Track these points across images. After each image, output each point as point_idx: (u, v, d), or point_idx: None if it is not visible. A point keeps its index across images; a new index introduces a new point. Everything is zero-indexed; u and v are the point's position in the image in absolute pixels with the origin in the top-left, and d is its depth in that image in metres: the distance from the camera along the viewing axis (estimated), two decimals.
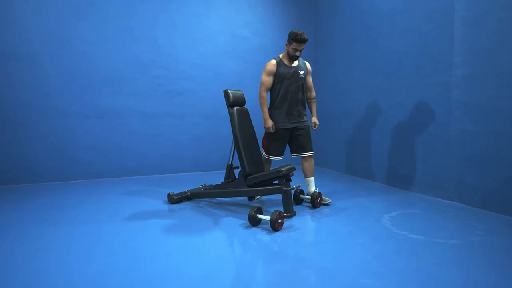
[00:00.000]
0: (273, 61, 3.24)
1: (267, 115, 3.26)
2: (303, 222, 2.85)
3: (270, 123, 3.24)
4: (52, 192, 3.83)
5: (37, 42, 4.19)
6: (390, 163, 4.18)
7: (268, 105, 3.40)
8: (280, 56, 3.30)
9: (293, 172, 3.12)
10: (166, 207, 3.32)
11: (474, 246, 2.35)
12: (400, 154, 4.03)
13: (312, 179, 3.36)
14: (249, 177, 3.07)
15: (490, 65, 3.07)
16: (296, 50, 3.17)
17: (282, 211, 2.85)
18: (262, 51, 5.32)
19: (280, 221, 2.66)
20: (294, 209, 3.08)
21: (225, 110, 5.18)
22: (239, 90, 3.36)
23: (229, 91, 3.20)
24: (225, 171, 5.03)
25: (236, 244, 2.42)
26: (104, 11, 4.46)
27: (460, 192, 3.38)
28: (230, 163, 3.34)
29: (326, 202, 3.35)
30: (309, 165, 3.37)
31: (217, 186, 3.35)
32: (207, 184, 3.61)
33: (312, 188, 3.36)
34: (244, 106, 3.37)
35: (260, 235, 2.58)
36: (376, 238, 2.50)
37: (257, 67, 5.31)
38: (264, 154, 3.40)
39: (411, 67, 3.83)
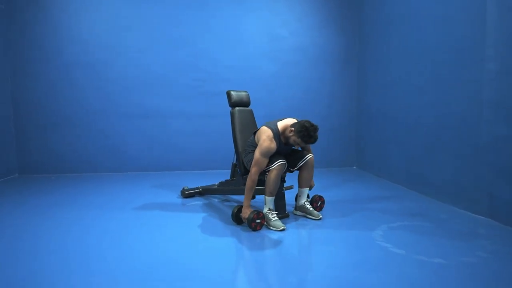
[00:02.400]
0: (273, 143, 2.69)
1: (249, 203, 2.74)
2: (291, 225, 2.79)
3: (247, 213, 2.67)
4: (100, 181, 4.44)
5: (95, 52, 4.87)
6: (421, 169, 3.75)
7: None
8: (280, 129, 2.79)
9: (286, 173, 3.02)
10: (178, 200, 3.57)
11: (457, 268, 2.02)
12: (431, 159, 3.59)
13: (306, 190, 2.98)
14: (244, 176, 3.12)
15: None
16: (297, 143, 2.74)
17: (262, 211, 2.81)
18: (300, 51, 5.24)
19: (258, 221, 2.66)
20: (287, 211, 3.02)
21: (260, 111, 5.23)
22: (245, 91, 3.42)
23: (231, 92, 3.29)
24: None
25: (212, 238, 2.52)
26: (149, 22, 4.94)
27: (491, 206, 2.88)
28: (234, 162, 3.42)
29: (315, 218, 2.93)
30: (308, 173, 2.93)
31: (221, 183, 3.47)
32: (224, 181, 3.75)
33: (303, 200, 2.99)
34: (249, 107, 3.42)
35: (241, 233, 2.63)
36: (350, 249, 2.34)
37: (294, 67, 5.25)
38: (270, 168, 2.74)
39: (444, 63, 3.38)
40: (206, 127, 5.22)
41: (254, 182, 2.71)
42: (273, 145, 2.70)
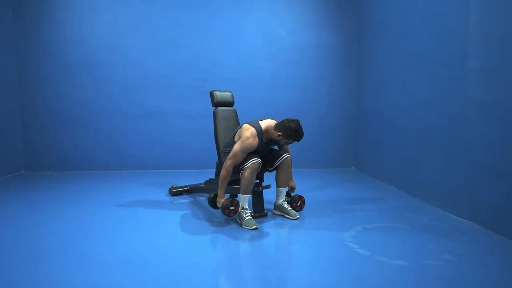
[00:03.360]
0: (256, 140, 2.75)
1: (223, 192, 2.82)
2: (267, 224, 2.82)
3: (221, 202, 2.77)
4: (100, 178, 4.60)
5: (97, 53, 5.04)
6: (412, 170, 3.67)
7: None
8: (263, 128, 2.83)
9: (265, 172, 3.05)
10: (165, 198, 3.65)
11: (415, 270, 1.99)
12: (421, 160, 3.51)
13: (283, 190, 2.99)
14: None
15: (510, 53, 2.46)
16: (288, 143, 2.85)
17: (237, 199, 2.84)
18: (298, 51, 5.22)
19: (232, 208, 2.73)
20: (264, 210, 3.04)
21: (258, 110, 5.26)
22: (229, 91, 3.46)
23: (214, 92, 3.34)
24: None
25: (186, 237, 2.58)
26: (151, 24, 5.07)
27: (474, 209, 2.79)
28: (219, 161, 3.47)
29: (292, 217, 2.94)
30: (284, 172, 2.93)
31: (205, 182, 3.53)
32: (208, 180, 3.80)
33: (280, 200, 3.01)
34: (233, 107, 3.46)
35: (216, 231, 2.68)
36: (316, 249, 2.33)
37: (293, 66, 5.25)
38: (244, 167, 2.77)
39: (434, 60, 3.30)
40: (206, 127, 5.26)
41: (228, 173, 2.77)
42: (255, 142, 2.75)
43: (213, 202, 2.93)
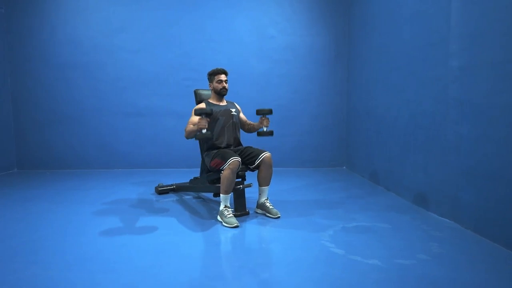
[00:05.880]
0: (202, 104, 3.14)
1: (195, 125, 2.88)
2: (249, 222, 2.83)
3: (197, 118, 2.85)
4: (91, 177, 4.62)
5: (89, 52, 5.07)
6: (398, 169, 3.65)
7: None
8: (209, 100, 3.23)
9: (247, 171, 3.05)
10: (151, 197, 3.66)
11: (387, 270, 1.98)
12: (406, 160, 3.50)
13: (265, 189, 3.00)
14: (208, 173, 3.17)
15: (490, 52, 2.43)
16: (221, 81, 3.11)
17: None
18: (289, 50, 5.22)
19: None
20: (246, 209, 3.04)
21: (250, 109, 5.26)
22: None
23: (198, 91, 3.35)
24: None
25: (164, 231, 2.59)
26: (141, 24, 5.09)
27: (455, 209, 2.78)
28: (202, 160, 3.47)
29: (273, 216, 2.93)
30: (266, 171, 2.94)
31: (190, 181, 3.54)
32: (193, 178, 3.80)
33: (263, 199, 3.01)
34: None
35: (197, 225, 2.70)
36: (291, 248, 2.33)
37: (286, 65, 5.24)
38: (224, 167, 2.77)
39: (419, 59, 3.28)
40: None
41: (188, 132, 2.90)
42: (201, 106, 3.10)
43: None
